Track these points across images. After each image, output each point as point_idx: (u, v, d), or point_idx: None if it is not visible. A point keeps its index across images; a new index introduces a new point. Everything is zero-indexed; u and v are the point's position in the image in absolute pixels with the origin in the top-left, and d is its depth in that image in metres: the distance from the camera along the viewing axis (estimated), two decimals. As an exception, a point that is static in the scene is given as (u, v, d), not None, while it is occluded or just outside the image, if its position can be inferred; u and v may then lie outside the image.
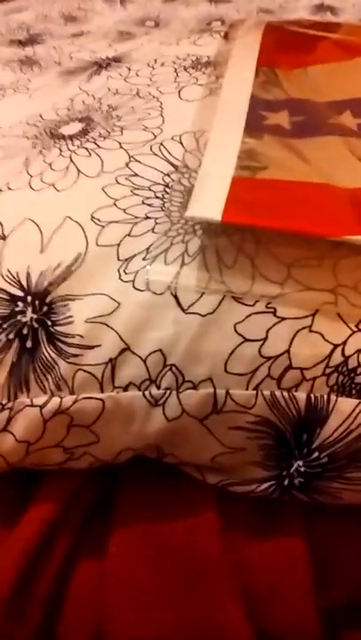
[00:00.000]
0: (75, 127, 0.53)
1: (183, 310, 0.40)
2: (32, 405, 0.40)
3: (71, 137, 0.51)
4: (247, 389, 0.40)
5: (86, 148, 0.49)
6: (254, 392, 0.40)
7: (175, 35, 0.74)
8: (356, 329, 0.40)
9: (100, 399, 0.40)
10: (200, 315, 0.40)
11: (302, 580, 0.42)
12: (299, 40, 0.59)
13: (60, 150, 0.50)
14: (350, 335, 0.40)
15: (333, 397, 0.40)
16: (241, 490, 0.42)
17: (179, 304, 0.40)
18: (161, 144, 0.49)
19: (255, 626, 0.41)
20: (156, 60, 0.60)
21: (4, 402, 0.40)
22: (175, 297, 0.40)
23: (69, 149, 0.50)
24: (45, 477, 0.44)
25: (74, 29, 0.88)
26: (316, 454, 0.40)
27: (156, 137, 0.49)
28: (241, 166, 0.43)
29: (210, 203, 0.41)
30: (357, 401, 0.40)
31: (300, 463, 0.41)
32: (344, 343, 0.40)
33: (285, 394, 0.40)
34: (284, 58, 0.56)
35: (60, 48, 0.77)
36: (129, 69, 0.61)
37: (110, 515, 0.43)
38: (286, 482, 0.41)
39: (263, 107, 0.49)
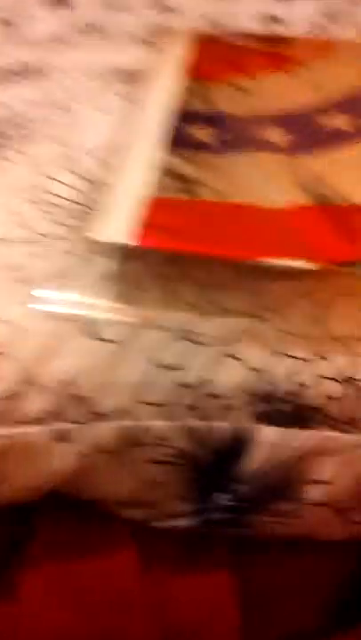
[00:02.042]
0: None
1: (95, 338, 0.38)
2: None
3: None
4: (165, 420, 0.38)
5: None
6: (172, 423, 0.38)
7: (109, 43, 0.72)
8: (280, 354, 0.38)
9: (2, 435, 0.37)
10: (112, 342, 0.38)
11: (230, 619, 0.40)
12: (229, 52, 0.58)
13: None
14: (275, 361, 0.38)
15: (258, 427, 0.38)
16: (163, 525, 0.40)
17: (91, 331, 0.38)
18: (75, 159, 0.46)
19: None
20: (78, 70, 0.58)
21: None
22: (84, 324, 0.38)
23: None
24: None
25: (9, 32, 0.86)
26: (239, 486, 0.39)
27: (70, 151, 0.47)
28: (159, 185, 0.41)
29: (122, 224, 0.38)
30: (281, 429, 0.38)
31: (224, 496, 0.39)
32: (268, 370, 0.38)
33: (205, 424, 0.38)
34: (212, 70, 0.54)
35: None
36: (47, 79, 0.58)
37: (22, 556, 0.40)
38: (209, 515, 0.39)
39: (187, 120, 0.47)
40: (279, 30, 0.92)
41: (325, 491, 0.38)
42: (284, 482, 0.38)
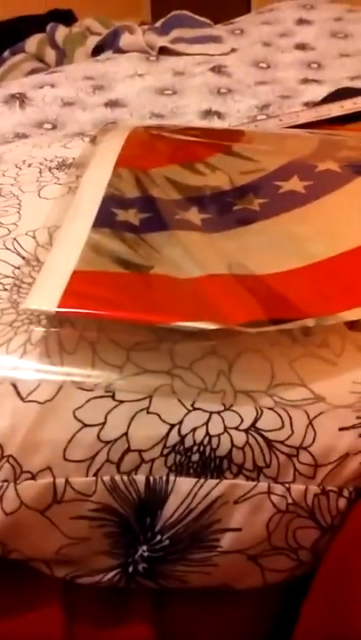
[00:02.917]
0: None
1: (22, 399, 0.41)
2: None
3: None
4: (87, 476, 0.40)
5: None
6: (94, 478, 0.40)
7: (58, 138, 0.79)
8: (191, 408, 0.41)
9: None
10: (38, 402, 0.41)
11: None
12: (160, 143, 0.64)
13: None
14: (186, 414, 0.41)
15: (172, 478, 0.40)
16: (88, 581, 0.42)
17: (17, 393, 0.41)
18: (14, 239, 0.51)
19: None
20: (24, 162, 0.64)
21: None
22: (14, 386, 0.41)
23: None
24: None
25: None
26: (158, 537, 0.41)
27: (10, 232, 0.52)
28: (83, 260, 0.46)
29: (47, 294, 0.43)
30: (195, 480, 0.40)
31: (145, 548, 0.41)
32: (180, 423, 0.41)
33: (125, 477, 0.40)
34: (143, 159, 0.60)
35: None
36: (1, 170, 0.64)
37: None
38: (131, 569, 0.41)
39: (115, 204, 0.53)
40: (219, 123, 1.02)
41: (237, 538, 0.40)
42: (198, 530, 0.40)
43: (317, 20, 1.29)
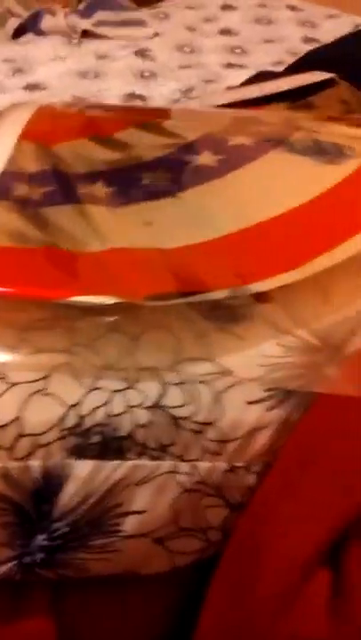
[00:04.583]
0: None
1: None
2: None
3: None
4: None
5: None
6: (-16, 465, 0.38)
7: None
8: (91, 387, 0.39)
9: None
10: None
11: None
12: (68, 118, 0.62)
13: None
14: (85, 394, 0.39)
15: (69, 461, 0.38)
16: (-17, 574, 0.39)
17: None
18: None
19: None
20: None
21: None
22: None
23: None
24: None
25: None
26: (56, 525, 0.38)
27: None
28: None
29: None
30: (94, 462, 0.38)
31: (43, 537, 0.38)
32: (79, 403, 0.39)
33: (18, 464, 0.38)
34: (48, 134, 0.57)
35: None
36: None
37: None
38: (27, 559, 0.38)
39: (14, 178, 0.50)
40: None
41: (141, 521, 0.38)
42: (98, 515, 0.38)
43: (242, 6, 1.29)
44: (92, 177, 0.51)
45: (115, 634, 0.41)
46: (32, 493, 0.38)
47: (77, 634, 0.40)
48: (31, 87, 1.05)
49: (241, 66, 1.09)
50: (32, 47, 1.17)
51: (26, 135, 0.56)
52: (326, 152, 0.53)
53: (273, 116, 0.64)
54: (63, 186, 0.50)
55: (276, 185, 0.50)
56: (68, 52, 1.14)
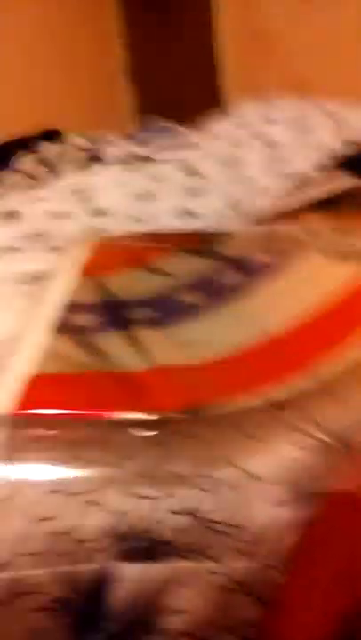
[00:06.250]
0: None
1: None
2: None
3: None
4: (40, 569, 0.42)
5: None
6: (47, 570, 0.42)
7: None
8: (135, 496, 0.44)
9: None
10: None
11: None
12: (122, 250, 0.71)
13: None
14: (131, 503, 0.43)
15: (117, 565, 0.42)
16: None
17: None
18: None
19: None
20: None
21: None
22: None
23: None
24: None
25: None
26: (108, 625, 0.42)
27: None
28: (38, 363, 0.51)
29: (5, 397, 0.47)
30: (139, 565, 0.42)
31: (97, 636, 0.42)
32: (126, 512, 0.43)
33: (75, 568, 0.42)
34: (105, 267, 0.66)
35: None
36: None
37: None
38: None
39: (74, 310, 0.58)
40: (195, 223, 1.09)
41: (184, 620, 0.42)
42: (147, 615, 0.42)
43: (282, 118, 1.40)
44: (140, 304, 0.59)
45: None
46: (86, 595, 0.42)
47: None
48: (97, 213, 1.18)
49: (284, 175, 1.18)
50: (96, 176, 1.31)
51: (83, 271, 0.65)
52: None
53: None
54: (115, 314, 0.58)
55: (293, 295, 0.56)
56: (127, 178, 1.27)
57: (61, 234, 1.12)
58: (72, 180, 1.36)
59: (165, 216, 1.15)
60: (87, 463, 0.45)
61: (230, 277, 0.60)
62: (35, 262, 0.73)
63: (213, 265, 0.63)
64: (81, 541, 0.43)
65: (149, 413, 0.45)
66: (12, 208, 1.19)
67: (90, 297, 0.61)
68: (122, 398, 0.47)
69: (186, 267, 0.64)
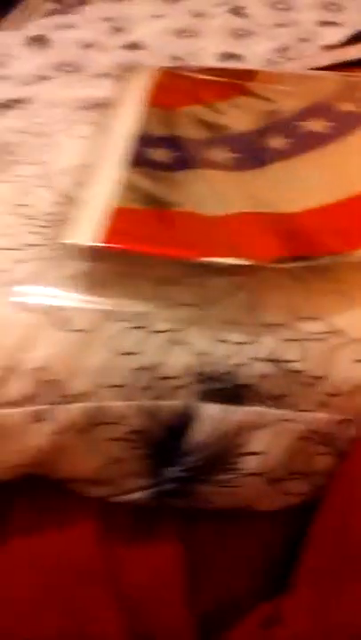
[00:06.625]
0: None
1: (63, 329, 0.43)
2: None
3: None
4: (122, 401, 0.43)
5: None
6: (129, 403, 0.43)
7: (84, 79, 0.79)
8: (218, 339, 0.43)
9: None
10: (78, 332, 0.43)
11: (177, 584, 0.44)
12: (188, 84, 0.65)
13: None
14: (214, 345, 0.43)
15: (201, 404, 0.43)
16: (120, 499, 0.45)
17: (59, 323, 0.43)
18: (51, 177, 0.52)
19: (131, 630, 0.43)
20: (55, 102, 0.64)
21: None
22: (56, 316, 0.43)
23: None
24: None
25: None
26: (186, 459, 0.43)
27: (45, 171, 0.53)
28: (120, 197, 0.47)
29: (89, 230, 0.45)
30: (220, 406, 0.43)
31: (174, 469, 0.44)
32: (209, 353, 0.43)
33: (158, 403, 0.43)
34: (171, 99, 0.61)
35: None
36: (30, 110, 0.65)
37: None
38: (162, 488, 0.44)
39: (146, 143, 0.54)
40: (237, 65, 1.00)
41: (259, 461, 0.43)
42: (223, 454, 0.43)
43: None
44: (213, 143, 0.55)
45: (229, 560, 0.46)
46: (166, 429, 0.43)
47: (197, 558, 0.45)
48: (131, 46, 1.08)
49: (336, 23, 1.07)
50: (130, 6, 1.19)
51: (149, 101, 0.60)
52: None
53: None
54: (188, 151, 0.54)
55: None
56: (165, 11, 1.15)
57: (93, 65, 1.03)
58: (103, 6, 1.23)
59: (207, 56, 1.07)
60: (172, 302, 0.44)
61: (312, 125, 0.56)
62: (91, 89, 0.66)
63: (291, 110, 0.58)
64: (164, 378, 0.43)
65: (240, 259, 0.43)
66: (37, 33, 1.08)
67: (159, 129, 0.56)
68: (208, 241, 0.45)
69: (260, 108, 0.59)
